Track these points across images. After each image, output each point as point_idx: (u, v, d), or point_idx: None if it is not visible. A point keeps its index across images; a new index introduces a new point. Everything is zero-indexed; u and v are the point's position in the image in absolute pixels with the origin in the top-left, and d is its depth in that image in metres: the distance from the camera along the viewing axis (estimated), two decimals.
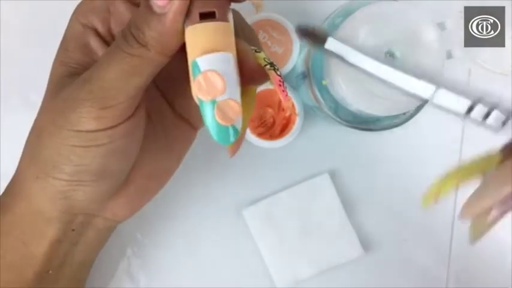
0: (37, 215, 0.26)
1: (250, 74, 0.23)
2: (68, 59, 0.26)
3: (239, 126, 0.23)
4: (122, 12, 0.26)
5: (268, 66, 0.24)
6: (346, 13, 0.29)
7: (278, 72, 0.24)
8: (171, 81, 0.28)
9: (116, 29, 0.26)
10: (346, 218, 0.38)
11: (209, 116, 0.22)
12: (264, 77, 0.24)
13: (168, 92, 0.29)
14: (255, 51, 0.24)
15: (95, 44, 0.26)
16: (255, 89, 0.26)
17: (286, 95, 0.24)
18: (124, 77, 0.23)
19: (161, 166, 0.30)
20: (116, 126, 0.24)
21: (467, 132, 0.40)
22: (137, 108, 0.25)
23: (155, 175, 0.29)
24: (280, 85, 0.24)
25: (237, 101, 0.22)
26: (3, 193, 0.28)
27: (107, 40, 0.26)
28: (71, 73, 0.25)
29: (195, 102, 0.22)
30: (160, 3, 0.21)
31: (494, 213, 0.23)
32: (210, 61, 0.21)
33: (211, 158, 0.38)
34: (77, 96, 0.23)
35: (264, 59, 0.24)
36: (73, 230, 0.28)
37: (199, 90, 0.21)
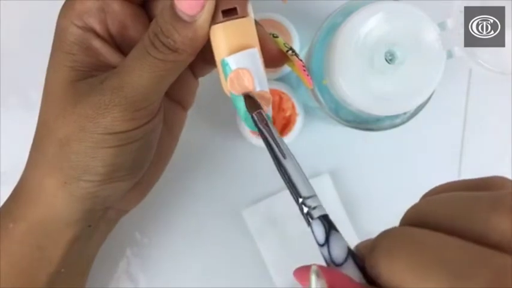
0: (56, 222, 0.26)
1: (271, 59, 0.24)
2: (75, 63, 0.25)
3: (270, 113, 0.24)
4: (118, 11, 0.26)
5: (290, 52, 0.25)
6: (346, 13, 0.29)
7: (300, 57, 0.25)
8: None
9: (113, 28, 0.26)
10: (346, 218, 0.38)
11: (243, 109, 0.23)
12: (284, 61, 0.25)
13: None
14: (273, 35, 0.25)
15: (97, 45, 0.26)
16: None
17: (311, 79, 0.25)
18: (157, 81, 0.24)
19: (164, 150, 0.30)
20: (147, 123, 0.25)
21: (468, 132, 0.40)
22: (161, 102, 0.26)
23: (160, 160, 0.30)
24: (304, 70, 0.25)
25: (267, 91, 0.23)
26: (12, 201, 0.27)
27: (106, 40, 0.26)
28: (81, 77, 0.25)
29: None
30: (190, 12, 0.22)
31: None
32: (239, 59, 0.23)
33: (211, 158, 0.38)
34: (109, 103, 0.24)
35: (284, 44, 0.25)
36: (89, 226, 0.28)
37: (232, 87, 0.23)
